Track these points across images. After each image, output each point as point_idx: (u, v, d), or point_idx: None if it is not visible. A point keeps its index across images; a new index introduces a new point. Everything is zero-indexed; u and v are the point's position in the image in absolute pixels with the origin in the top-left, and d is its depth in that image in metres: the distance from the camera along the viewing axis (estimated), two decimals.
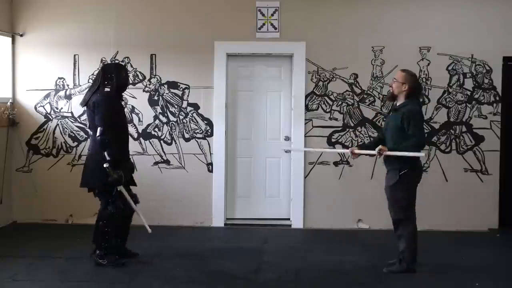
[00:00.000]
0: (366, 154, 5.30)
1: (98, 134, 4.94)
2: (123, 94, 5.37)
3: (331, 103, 6.76)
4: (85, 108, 5.31)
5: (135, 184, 5.34)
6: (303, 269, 5.14)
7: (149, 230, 5.18)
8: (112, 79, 5.05)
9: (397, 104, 5.03)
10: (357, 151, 5.18)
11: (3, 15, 6.69)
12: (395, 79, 5.01)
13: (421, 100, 5.08)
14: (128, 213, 5.21)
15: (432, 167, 6.73)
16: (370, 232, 6.66)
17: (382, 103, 6.74)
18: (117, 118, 5.08)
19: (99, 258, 5.11)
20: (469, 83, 6.72)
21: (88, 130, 5.33)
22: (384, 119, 6.72)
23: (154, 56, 6.79)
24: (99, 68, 5.17)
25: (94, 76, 5.21)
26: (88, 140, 6.76)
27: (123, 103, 5.50)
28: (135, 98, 6.81)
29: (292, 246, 5.98)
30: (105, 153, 4.92)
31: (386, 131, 5.10)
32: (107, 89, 5.04)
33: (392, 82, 5.08)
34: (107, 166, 4.88)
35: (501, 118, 6.72)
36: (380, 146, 4.91)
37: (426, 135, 5.07)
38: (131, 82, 6.74)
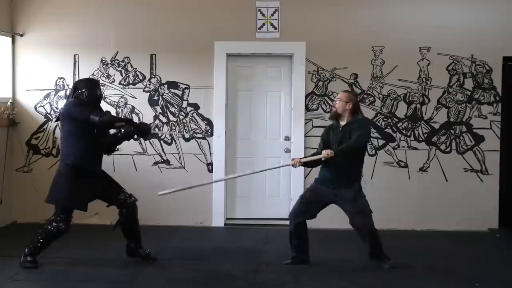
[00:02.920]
0: (312, 161, 5.21)
1: (95, 120, 4.78)
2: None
3: (331, 103, 6.75)
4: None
5: (122, 188, 5.23)
6: (303, 269, 5.13)
7: None
8: (82, 95, 4.95)
9: (345, 121, 5.11)
10: (302, 159, 5.22)
11: (3, 15, 6.69)
12: (339, 99, 5.15)
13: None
14: (130, 215, 5.17)
15: (432, 167, 6.73)
16: None
17: (382, 103, 6.74)
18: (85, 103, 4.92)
19: (22, 261, 5.01)
20: (469, 83, 6.73)
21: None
22: (385, 119, 6.74)
23: (154, 56, 6.79)
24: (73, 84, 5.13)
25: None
26: None
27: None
28: (135, 98, 6.81)
29: None
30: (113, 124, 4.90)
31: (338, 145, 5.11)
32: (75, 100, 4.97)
33: (335, 102, 5.19)
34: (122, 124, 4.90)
35: (501, 118, 6.72)
36: (327, 150, 4.97)
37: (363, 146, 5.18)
38: (131, 82, 6.75)
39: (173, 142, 6.83)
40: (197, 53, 6.76)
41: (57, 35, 6.81)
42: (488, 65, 6.70)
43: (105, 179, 5.19)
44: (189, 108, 6.82)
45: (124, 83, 6.77)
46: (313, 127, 6.77)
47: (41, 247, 5.04)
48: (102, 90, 5.23)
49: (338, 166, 5.01)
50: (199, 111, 6.82)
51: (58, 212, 4.96)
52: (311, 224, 6.76)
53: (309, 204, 5.21)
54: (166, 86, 6.81)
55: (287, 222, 6.82)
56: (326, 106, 6.75)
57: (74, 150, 4.91)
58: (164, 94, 6.81)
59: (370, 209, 5.14)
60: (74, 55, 6.82)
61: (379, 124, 6.74)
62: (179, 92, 6.81)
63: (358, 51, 6.71)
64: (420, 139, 6.76)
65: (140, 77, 6.81)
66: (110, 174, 5.28)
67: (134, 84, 6.80)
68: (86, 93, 4.96)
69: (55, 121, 5.14)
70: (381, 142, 6.73)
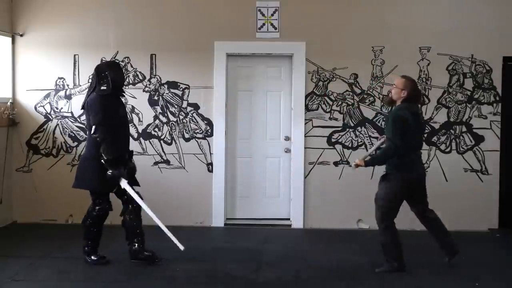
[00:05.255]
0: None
1: (92, 132, 4.99)
2: (123, 92, 5.31)
3: (331, 103, 6.76)
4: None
5: (138, 184, 5.34)
6: (303, 269, 5.13)
7: (181, 247, 5.11)
8: (106, 77, 5.03)
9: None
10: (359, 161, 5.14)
11: (3, 15, 6.69)
12: (395, 85, 5.05)
13: (419, 105, 5.08)
14: (134, 213, 5.19)
15: (432, 167, 6.73)
16: (370, 232, 6.65)
17: (382, 103, 6.74)
18: (113, 117, 5.04)
19: (86, 255, 5.19)
20: (469, 83, 6.73)
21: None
22: (385, 119, 6.73)
23: (154, 56, 6.79)
24: (94, 70, 5.17)
25: (90, 79, 5.23)
26: None
27: (123, 99, 5.44)
28: (135, 98, 6.81)
29: (292, 246, 5.98)
30: (101, 152, 4.95)
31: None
32: (103, 88, 5.03)
33: (392, 88, 5.10)
34: (105, 163, 4.95)
35: (501, 118, 6.72)
36: (356, 160, 5.04)
37: (400, 140, 4.90)
38: (131, 82, 6.76)
39: (173, 142, 6.83)
40: (197, 53, 6.76)
41: (57, 35, 6.81)
42: (488, 65, 6.70)
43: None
44: (189, 108, 6.82)
45: (124, 83, 6.76)
46: (313, 127, 6.77)
47: (96, 236, 5.16)
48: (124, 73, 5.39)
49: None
50: (199, 111, 6.82)
51: (96, 197, 5.10)
52: (311, 224, 6.80)
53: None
54: (166, 86, 6.81)
55: (287, 222, 6.88)
56: (326, 106, 6.76)
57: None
58: (164, 94, 6.81)
59: (383, 202, 4.98)
60: (74, 55, 6.82)
61: (379, 124, 6.74)
62: (179, 92, 6.81)
63: (358, 51, 6.71)
64: None
65: (140, 77, 6.81)
66: None
67: (134, 84, 6.80)
68: (111, 75, 5.02)
69: (80, 109, 5.26)
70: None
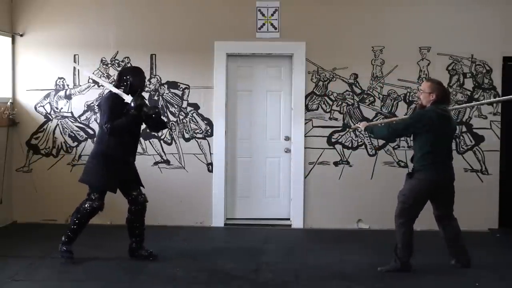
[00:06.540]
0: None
1: (106, 132, 5.02)
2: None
3: (331, 103, 6.76)
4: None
5: (142, 185, 5.36)
6: (303, 269, 5.14)
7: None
8: (127, 81, 5.16)
9: None
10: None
11: (3, 15, 6.69)
12: (422, 90, 5.03)
13: (448, 107, 5.10)
14: (135, 214, 5.26)
15: None
16: (370, 232, 6.66)
17: (382, 103, 6.74)
18: (120, 116, 5.05)
19: (60, 244, 5.19)
20: (469, 83, 6.73)
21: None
22: (384, 119, 6.73)
23: (154, 56, 6.79)
24: (117, 73, 5.33)
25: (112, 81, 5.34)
26: (88, 140, 6.80)
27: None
28: None
29: (292, 246, 5.98)
30: (119, 126, 5.01)
31: None
32: (120, 90, 5.13)
33: (420, 93, 5.10)
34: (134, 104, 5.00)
35: (501, 118, 6.72)
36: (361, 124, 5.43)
37: (398, 136, 5.33)
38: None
39: (173, 142, 6.83)
40: (197, 53, 6.76)
41: (57, 35, 6.81)
42: (488, 65, 6.70)
43: (132, 170, 5.33)
44: (189, 108, 6.82)
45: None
46: (313, 127, 6.77)
47: (77, 229, 5.18)
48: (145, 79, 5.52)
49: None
50: (199, 111, 6.82)
51: (92, 192, 5.13)
52: (311, 224, 6.80)
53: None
54: (166, 86, 6.81)
55: (287, 222, 6.88)
56: (326, 106, 6.76)
57: (107, 139, 5.09)
58: (164, 94, 6.81)
59: (405, 198, 4.96)
60: (74, 55, 6.82)
61: (379, 124, 6.72)
62: (179, 92, 6.81)
63: (358, 51, 6.71)
64: None
65: None
66: None
67: None
68: (131, 79, 5.15)
69: (96, 106, 5.41)
70: (381, 142, 6.73)
